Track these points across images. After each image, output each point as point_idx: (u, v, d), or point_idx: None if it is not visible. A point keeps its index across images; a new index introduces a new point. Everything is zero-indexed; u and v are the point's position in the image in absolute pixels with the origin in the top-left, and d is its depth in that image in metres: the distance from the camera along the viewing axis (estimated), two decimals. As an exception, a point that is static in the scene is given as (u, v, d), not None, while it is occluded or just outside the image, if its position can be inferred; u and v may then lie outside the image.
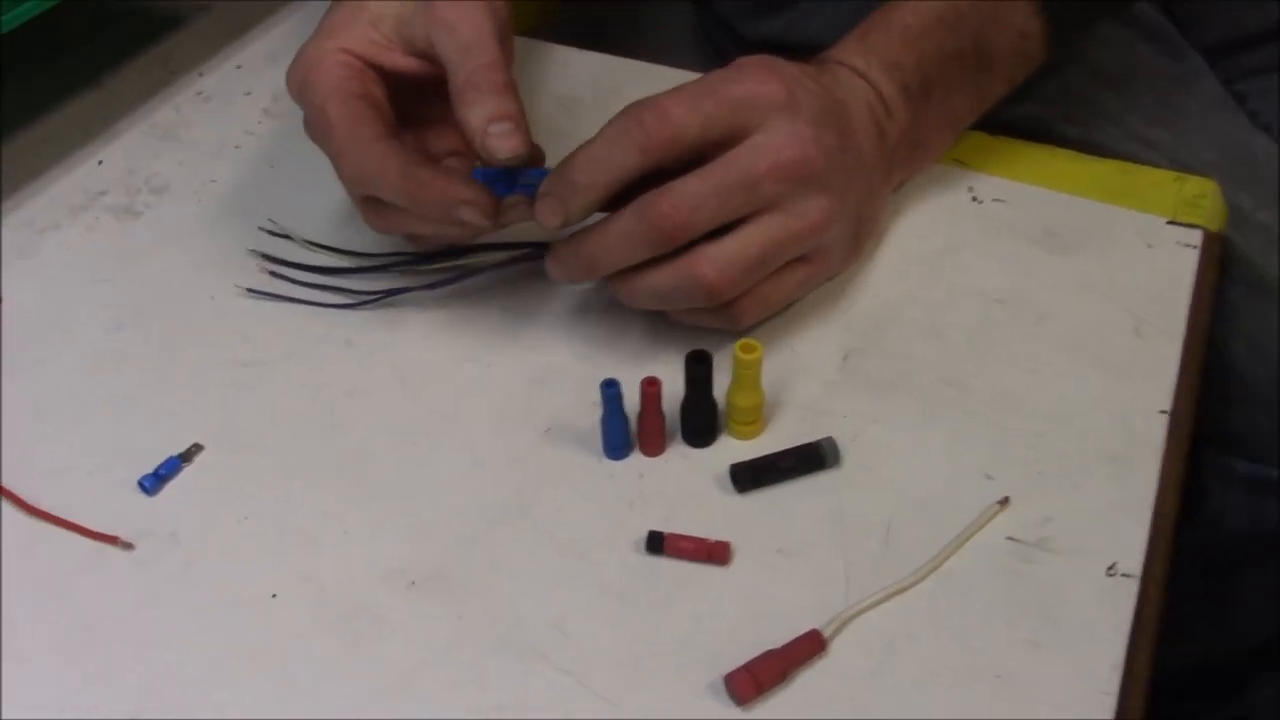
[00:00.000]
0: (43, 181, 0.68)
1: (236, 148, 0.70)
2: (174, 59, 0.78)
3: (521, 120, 0.52)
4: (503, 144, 0.51)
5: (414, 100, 0.58)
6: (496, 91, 0.52)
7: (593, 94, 0.73)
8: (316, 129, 0.56)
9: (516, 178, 0.53)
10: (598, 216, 0.52)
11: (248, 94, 0.74)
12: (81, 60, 0.77)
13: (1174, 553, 0.75)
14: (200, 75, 0.76)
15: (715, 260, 0.51)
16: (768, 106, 0.51)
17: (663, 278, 0.52)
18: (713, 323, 0.55)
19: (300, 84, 0.56)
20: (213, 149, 0.70)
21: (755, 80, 0.52)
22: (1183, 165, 0.69)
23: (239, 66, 0.77)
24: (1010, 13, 0.60)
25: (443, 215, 0.52)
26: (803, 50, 0.84)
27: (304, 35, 0.75)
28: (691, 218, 0.50)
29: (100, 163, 0.69)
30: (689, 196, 0.50)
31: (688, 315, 0.55)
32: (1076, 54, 0.74)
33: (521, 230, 0.56)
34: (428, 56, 0.56)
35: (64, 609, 0.48)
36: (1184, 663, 0.88)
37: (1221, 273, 0.66)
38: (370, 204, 0.56)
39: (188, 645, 0.46)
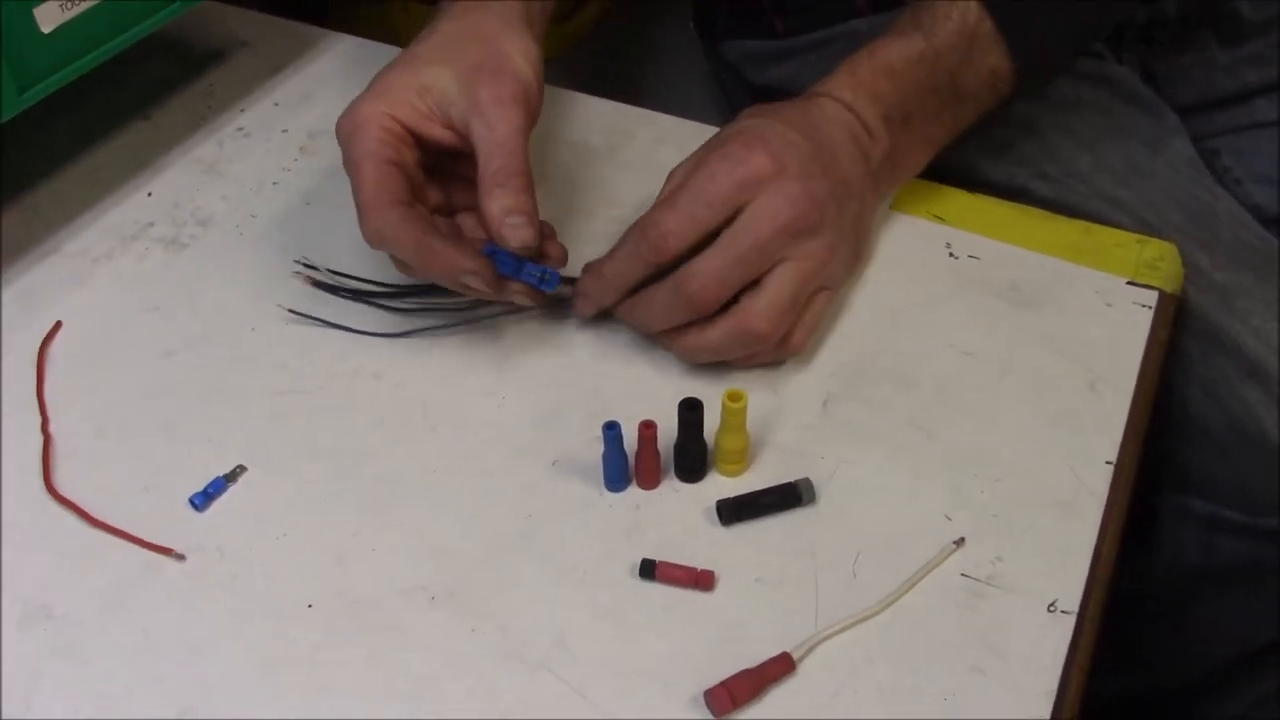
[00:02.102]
0: (96, 211, 0.74)
1: (274, 184, 0.76)
2: (215, 94, 0.83)
3: (535, 217, 0.59)
4: (515, 234, 0.59)
5: (445, 157, 0.65)
6: (518, 191, 0.59)
7: (605, 140, 0.79)
8: (351, 183, 0.62)
9: (522, 264, 0.60)
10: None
11: (285, 131, 0.80)
12: (129, 92, 0.82)
13: (1133, 585, 0.81)
14: (241, 111, 0.82)
15: (762, 314, 0.59)
16: (758, 182, 0.60)
17: (718, 337, 0.61)
18: (768, 359, 0.63)
19: (346, 138, 0.62)
20: (253, 184, 0.76)
21: (742, 162, 0.60)
22: (1148, 224, 0.74)
23: (276, 104, 0.82)
24: (983, 54, 0.67)
25: (449, 281, 0.60)
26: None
27: (338, 73, 0.81)
28: (720, 290, 0.59)
29: (150, 194, 0.75)
30: (714, 273, 0.59)
31: (744, 360, 0.63)
32: (1059, 120, 0.80)
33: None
34: (462, 135, 0.62)
35: (122, 613, 0.54)
36: (1141, 687, 0.94)
37: (1178, 326, 0.71)
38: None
39: (233, 649, 0.52)
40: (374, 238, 0.60)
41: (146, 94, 0.82)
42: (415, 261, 0.60)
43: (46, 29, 0.63)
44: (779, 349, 0.62)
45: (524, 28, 0.65)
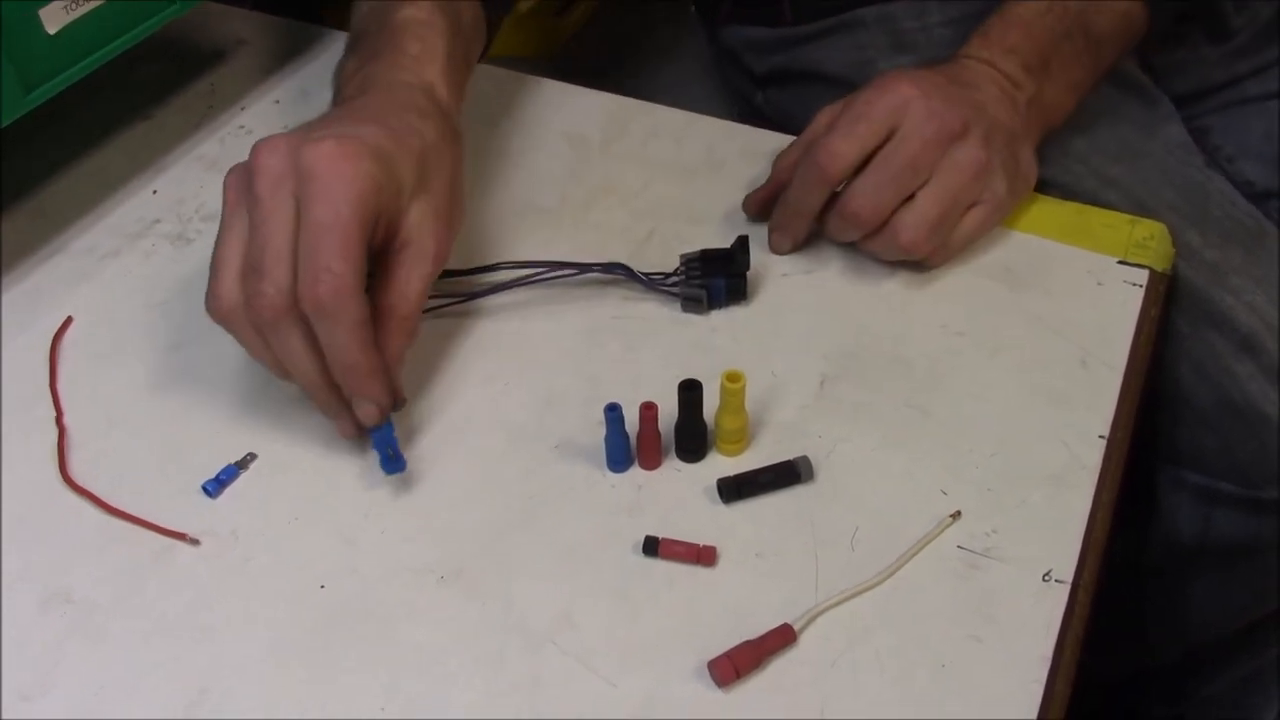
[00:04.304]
0: (102, 210, 0.75)
1: (277, 179, 0.77)
2: (216, 93, 0.85)
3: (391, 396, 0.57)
4: (369, 417, 0.57)
5: None
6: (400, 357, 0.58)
7: (599, 132, 0.80)
8: (315, 217, 0.53)
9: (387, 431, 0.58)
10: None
11: (285, 128, 0.80)
12: (131, 92, 0.84)
13: (1131, 560, 0.81)
14: (242, 109, 0.83)
15: (908, 225, 0.66)
16: (905, 103, 0.65)
17: (879, 249, 0.68)
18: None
19: (327, 160, 0.53)
20: (256, 180, 0.77)
21: (892, 91, 0.66)
22: (1141, 203, 0.76)
23: (277, 101, 0.83)
24: None
25: (349, 388, 0.56)
26: (803, 77, 0.91)
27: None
28: (877, 207, 0.65)
29: (155, 192, 0.76)
30: (870, 191, 0.65)
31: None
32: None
33: (538, 249, 0.64)
34: (392, 218, 0.58)
35: (139, 596, 0.55)
36: (1138, 661, 0.95)
37: (1169, 302, 0.73)
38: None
39: (247, 628, 0.54)
40: (326, 297, 0.52)
41: (149, 94, 0.84)
42: (339, 340, 0.54)
43: (51, 30, 0.65)
44: (927, 262, 0.68)
45: (453, 90, 0.67)
